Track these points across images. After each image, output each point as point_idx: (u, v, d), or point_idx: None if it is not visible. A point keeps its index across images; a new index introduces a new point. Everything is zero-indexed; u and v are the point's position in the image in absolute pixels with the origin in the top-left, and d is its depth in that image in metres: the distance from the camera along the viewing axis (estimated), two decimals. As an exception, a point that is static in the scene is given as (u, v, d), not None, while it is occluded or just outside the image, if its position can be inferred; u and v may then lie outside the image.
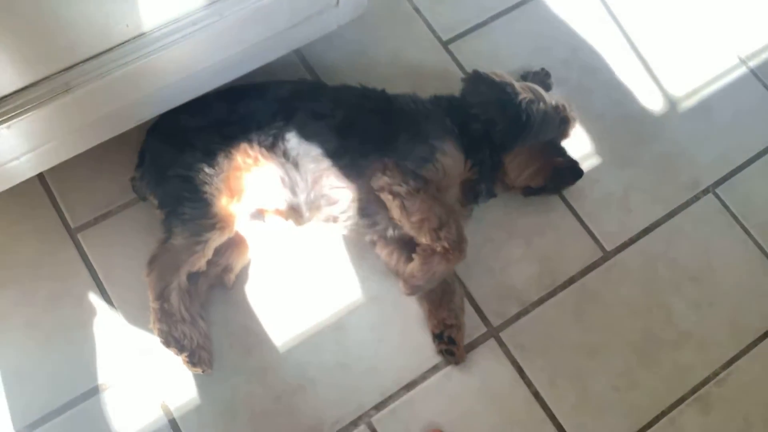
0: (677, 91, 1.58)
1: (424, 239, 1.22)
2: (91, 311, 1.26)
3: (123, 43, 1.02)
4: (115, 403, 1.21)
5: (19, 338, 1.24)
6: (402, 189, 1.22)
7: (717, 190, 1.49)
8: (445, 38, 1.57)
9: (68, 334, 1.25)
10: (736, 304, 1.40)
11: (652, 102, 1.56)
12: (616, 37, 1.62)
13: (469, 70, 1.48)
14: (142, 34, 1.03)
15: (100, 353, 1.24)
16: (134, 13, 0.99)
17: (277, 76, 1.37)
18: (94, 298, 1.27)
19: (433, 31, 1.58)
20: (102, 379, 1.22)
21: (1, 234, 1.30)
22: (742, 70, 1.62)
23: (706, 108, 1.57)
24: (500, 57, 1.55)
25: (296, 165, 1.25)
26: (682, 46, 1.63)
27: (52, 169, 1.20)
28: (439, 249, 1.21)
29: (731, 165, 1.52)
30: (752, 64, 1.62)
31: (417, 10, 1.59)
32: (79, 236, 1.31)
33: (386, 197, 1.23)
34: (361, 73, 1.45)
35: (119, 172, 1.34)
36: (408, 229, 1.24)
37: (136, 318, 1.26)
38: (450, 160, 1.26)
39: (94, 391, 1.22)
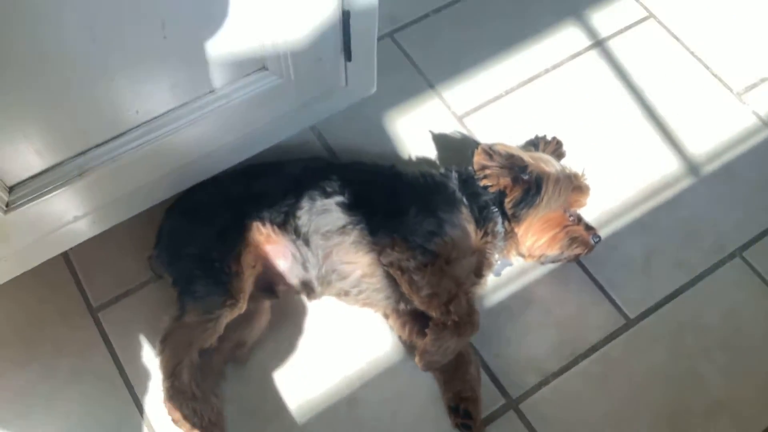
0: (697, 155, 1.56)
1: (434, 313, 1.21)
2: (108, 388, 1.28)
3: (133, 129, 1.07)
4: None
5: (41, 412, 1.26)
6: (410, 264, 1.22)
7: (744, 254, 1.45)
8: (459, 113, 1.60)
9: (87, 408, 1.26)
10: (770, 372, 1.33)
11: (671, 167, 1.54)
12: (631, 103, 1.62)
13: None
14: (151, 120, 1.08)
15: (117, 429, 1.26)
16: (142, 101, 1.04)
17: (294, 152, 1.41)
18: (112, 376, 1.29)
19: (448, 107, 1.60)
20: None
21: (27, 312, 1.34)
22: (766, 133, 1.59)
23: (728, 171, 1.54)
24: (515, 129, 1.56)
25: (307, 241, 1.27)
26: (697, 108, 1.62)
27: (78, 248, 1.25)
28: (449, 323, 1.20)
29: (759, 228, 1.48)
30: (775, 125, 1.60)
31: (431, 86, 1.63)
32: (100, 315, 1.34)
33: (395, 272, 1.23)
34: (377, 149, 1.49)
35: (141, 251, 1.37)
36: (418, 303, 1.23)
37: (151, 395, 1.27)
38: (459, 232, 1.26)
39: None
